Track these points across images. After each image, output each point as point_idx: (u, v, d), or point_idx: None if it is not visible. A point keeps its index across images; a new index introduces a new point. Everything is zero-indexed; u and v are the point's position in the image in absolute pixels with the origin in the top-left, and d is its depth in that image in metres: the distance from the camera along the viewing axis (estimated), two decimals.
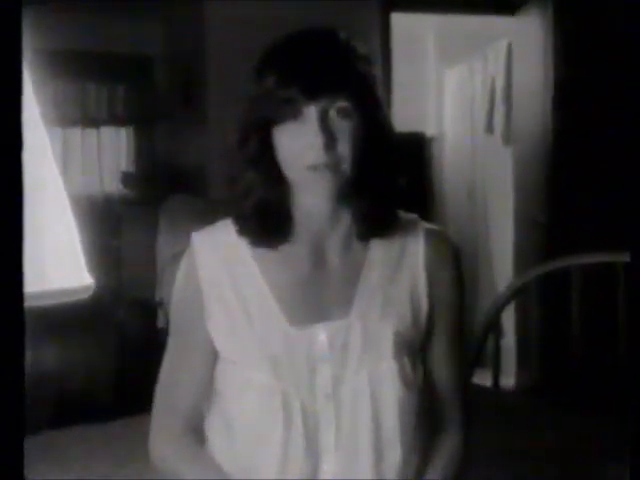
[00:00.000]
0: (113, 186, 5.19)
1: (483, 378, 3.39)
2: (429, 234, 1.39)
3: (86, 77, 5.15)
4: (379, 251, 1.35)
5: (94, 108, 5.22)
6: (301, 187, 1.29)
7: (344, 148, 1.24)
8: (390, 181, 1.33)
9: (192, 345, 1.37)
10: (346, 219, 1.33)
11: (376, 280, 1.34)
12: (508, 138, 5.32)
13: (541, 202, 4.49)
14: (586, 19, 4.32)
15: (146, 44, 5.14)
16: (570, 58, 4.37)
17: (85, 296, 1.07)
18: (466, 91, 5.82)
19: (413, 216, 1.41)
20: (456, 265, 1.40)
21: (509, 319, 4.87)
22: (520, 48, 4.82)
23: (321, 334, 1.30)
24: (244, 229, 1.32)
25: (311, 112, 1.23)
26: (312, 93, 1.23)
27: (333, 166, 1.24)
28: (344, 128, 1.24)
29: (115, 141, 5.29)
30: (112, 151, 5.27)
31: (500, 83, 5.40)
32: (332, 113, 1.24)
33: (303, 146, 1.24)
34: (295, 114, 1.24)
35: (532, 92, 4.59)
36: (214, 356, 1.35)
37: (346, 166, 1.25)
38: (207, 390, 1.38)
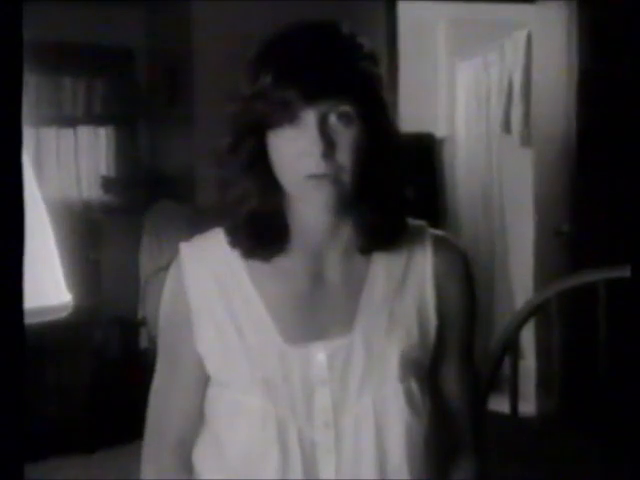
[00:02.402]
0: (92, 192, 5.20)
1: (500, 404, 3.40)
2: (437, 243, 1.39)
3: (61, 71, 5.16)
4: (383, 263, 1.36)
5: (70, 105, 5.22)
6: (298, 197, 1.29)
7: (344, 157, 1.24)
8: (395, 192, 1.33)
9: (181, 367, 1.38)
10: (347, 231, 1.33)
11: (380, 295, 1.34)
12: (527, 139, 5.34)
13: (564, 209, 4.51)
14: (613, 6, 4.32)
15: (128, 35, 5.16)
16: (596, 49, 4.38)
17: (64, 314, 1.09)
18: (481, 87, 5.84)
19: (420, 223, 1.41)
20: (467, 277, 1.41)
21: (529, 339, 4.89)
22: (541, 39, 4.84)
23: (319, 353, 1.31)
24: (236, 240, 1.32)
25: (309, 117, 1.23)
26: (311, 96, 1.22)
27: (332, 176, 1.23)
28: (345, 135, 1.24)
29: (94, 142, 5.30)
30: (90, 153, 5.28)
31: (518, 78, 5.42)
32: (332, 118, 1.23)
33: (300, 154, 1.24)
34: (292, 118, 1.23)
35: (554, 87, 4.60)
36: (205, 378, 1.37)
37: (346, 176, 1.24)
38: (198, 414, 1.39)
